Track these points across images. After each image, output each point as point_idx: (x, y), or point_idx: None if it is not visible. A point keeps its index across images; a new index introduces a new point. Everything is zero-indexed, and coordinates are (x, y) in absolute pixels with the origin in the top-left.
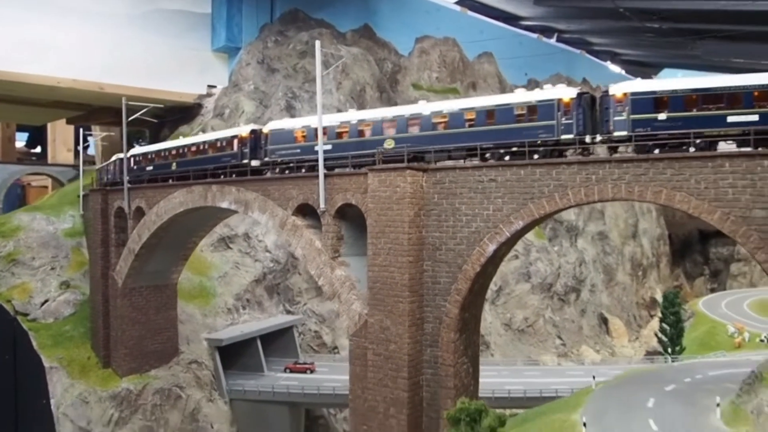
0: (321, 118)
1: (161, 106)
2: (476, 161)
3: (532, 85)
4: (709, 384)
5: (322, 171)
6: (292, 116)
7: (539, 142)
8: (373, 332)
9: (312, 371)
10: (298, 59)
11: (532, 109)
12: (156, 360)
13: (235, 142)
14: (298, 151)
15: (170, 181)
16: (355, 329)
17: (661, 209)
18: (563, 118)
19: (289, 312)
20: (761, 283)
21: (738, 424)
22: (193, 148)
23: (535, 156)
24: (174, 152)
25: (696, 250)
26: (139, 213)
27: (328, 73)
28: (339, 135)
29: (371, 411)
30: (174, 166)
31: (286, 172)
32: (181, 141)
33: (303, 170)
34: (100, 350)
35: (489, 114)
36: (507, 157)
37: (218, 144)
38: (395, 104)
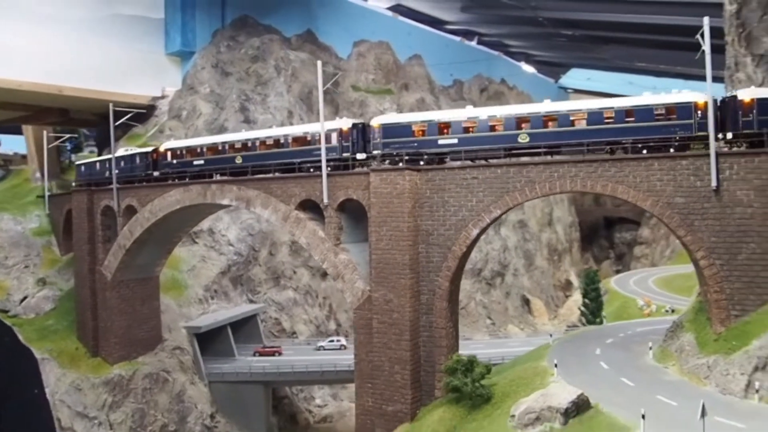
0: (323, 124)
1: (139, 109)
2: (458, 163)
3: (457, 85)
4: (638, 337)
5: (325, 170)
6: (246, 119)
7: (676, 138)
8: (378, 305)
9: (280, 354)
10: (250, 63)
11: (671, 110)
12: (143, 347)
13: (334, 135)
14: (416, 144)
15: (215, 176)
16: (358, 303)
17: (572, 199)
18: (699, 118)
19: (251, 301)
20: (660, 263)
21: (666, 360)
22: (269, 142)
23: (671, 150)
24: (238, 146)
25: (602, 236)
26: (130, 211)
27: (327, 87)
28: (466, 129)
29: (377, 370)
30: (239, 160)
31: (400, 164)
32: (247, 134)
33: (421, 162)
34: (89, 340)
35: (628, 113)
36: (644, 151)
37: (307, 137)
38: (337, 105)
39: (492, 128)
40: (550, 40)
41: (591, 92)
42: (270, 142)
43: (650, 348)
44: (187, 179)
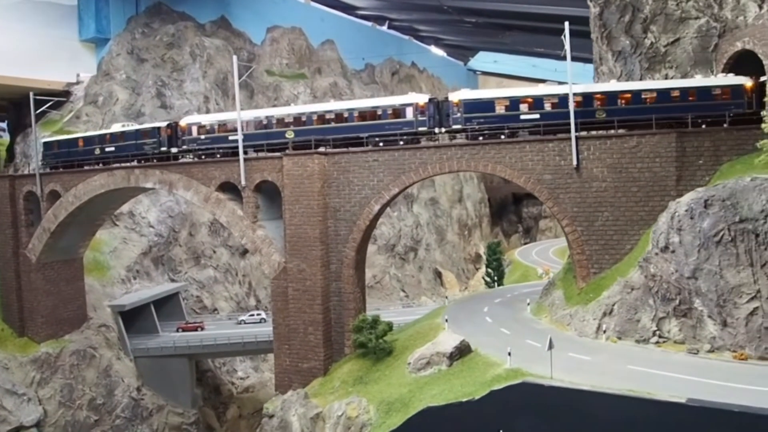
0: (239, 113)
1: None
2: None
3: (369, 69)
4: (523, 297)
5: (242, 155)
6: (163, 104)
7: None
8: (293, 274)
9: (202, 329)
10: (165, 50)
11: (725, 90)
12: (69, 326)
13: (410, 110)
14: (497, 119)
15: (247, 153)
16: (275, 274)
17: (481, 177)
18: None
19: (173, 280)
20: (562, 235)
21: (540, 314)
22: (329, 116)
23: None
24: (289, 119)
25: (511, 211)
26: (53, 195)
27: (243, 79)
28: (553, 105)
29: (293, 332)
30: (290, 134)
31: (480, 138)
32: (301, 107)
33: (502, 137)
34: (15, 321)
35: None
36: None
37: (377, 112)
38: (252, 90)
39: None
40: (457, 26)
41: (498, 74)
42: (331, 116)
43: (528, 304)
44: (218, 156)
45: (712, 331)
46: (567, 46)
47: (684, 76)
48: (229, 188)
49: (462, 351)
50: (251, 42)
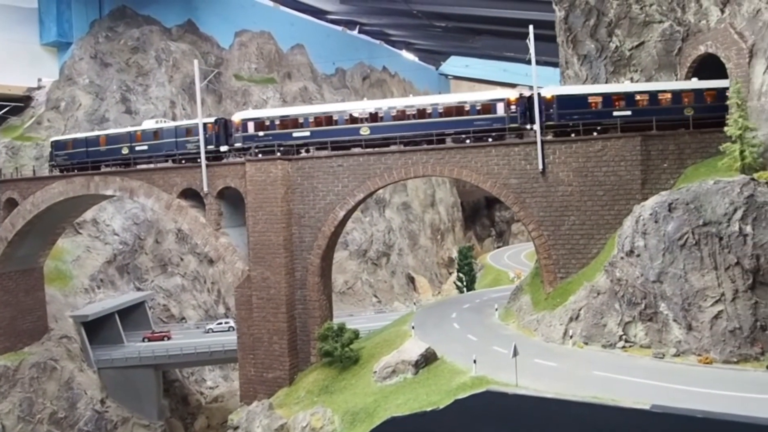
0: (201, 120)
1: None
2: (325, 153)
3: (339, 73)
4: (492, 301)
5: (204, 161)
6: (128, 109)
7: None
8: (257, 282)
9: (169, 338)
10: (130, 54)
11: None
12: (29, 338)
13: (500, 105)
14: (590, 115)
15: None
16: (239, 282)
17: (453, 181)
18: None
19: (139, 289)
20: None
21: (508, 319)
22: (410, 112)
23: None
24: (365, 115)
25: (483, 215)
26: (11, 204)
27: (205, 83)
28: (638, 102)
29: (257, 341)
30: (366, 131)
31: (572, 135)
32: (376, 102)
33: (594, 133)
34: None
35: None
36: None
37: (465, 107)
38: (220, 95)
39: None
40: (427, 31)
41: (470, 79)
42: (412, 111)
43: (496, 310)
44: (278, 153)
45: (678, 335)
46: (532, 50)
47: (649, 79)
48: (192, 195)
49: (427, 359)
50: (219, 46)
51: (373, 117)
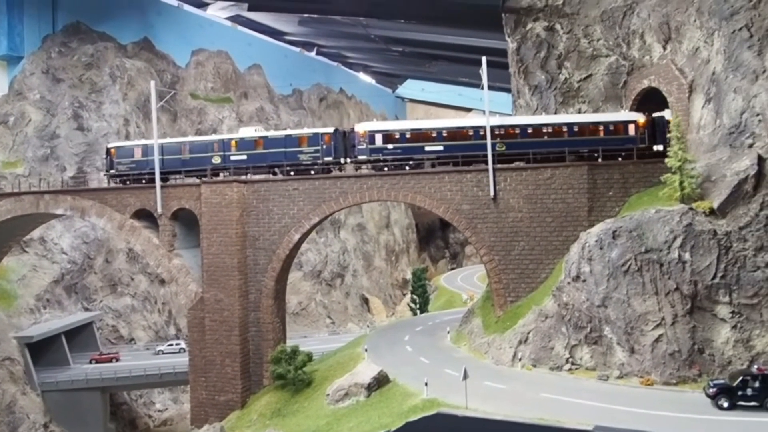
0: (156, 141)
1: None
2: (281, 176)
3: (296, 94)
4: (444, 324)
5: (158, 182)
6: (80, 126)
7: None
8: (210, 304)
9: (117, 360)
10: (83, 70)
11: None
12: None
13: (632, 126)
14: None
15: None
16: (192, 304)
17: (408, 203)
18: None
19: (87, 309)
20: None
21: (460, 342)
22: (546, 129)
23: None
24: (501, 131)
25: (438, 237)
26: None
27: (162, 103)
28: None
29: (209, 364)
30: (501, 147)
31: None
32: (515, 119)
33: None
34: None
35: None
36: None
37: (599, 127)
38: (175, 113)
39: None
40: (384, 54)
41: (426, 102)
42: (548, 129)
43: (448, 332)
44: (407, 168)
45: (621, 357)
46: (485, 80)
47: (596, 110)
48: (145, 216)
49: (380, 381)
50: (175, 64)
51: (508, 133)
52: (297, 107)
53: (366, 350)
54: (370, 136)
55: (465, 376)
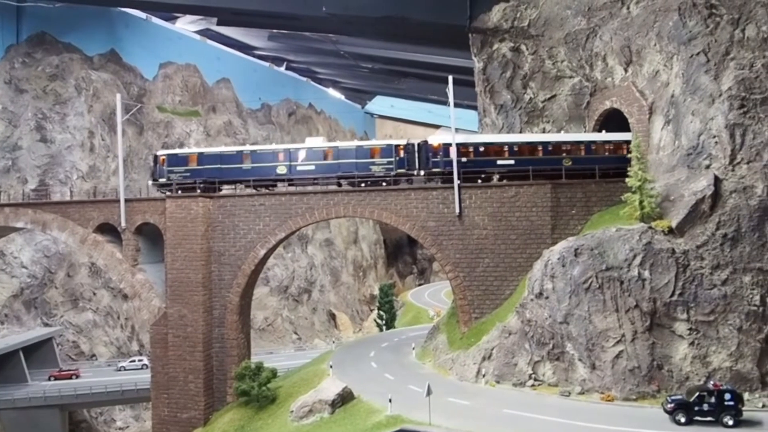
0: (121, 161)
1: None
2: (248, 191)
3: (265, 109)
4: (409, 340)
5: (122, 196)
6: (43, 138)
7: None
8: (173, 320)
9: (77, 376)
10: (48, 81)
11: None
12: None
13: None
14: None
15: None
16: (154, 320)
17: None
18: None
19: (47, 325)
20: None
21: (425, 358)
22: (607, 146)
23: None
24: (567, 147)
25: (406, 252)
26: None
27: (128, 116)
28: None
29: (172, 381)
30: (567, 162)
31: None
32: (584, 135)
33: None
34: None
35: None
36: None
37: None
38: (142, 126)
39: None
40: (354, 71)
41: (395, 119)
42: (609, 146)
43: (413, 349)
44: (479, 181)
45: (582, 373)
46: (451, 99)
47: (560, 130)
48: (108, 230)
49: (344, 398)
50: (142, 77)
51: (575, 149)
52: (266, 122)
53: (331, 366)
54: (445, 149)
55: (428, 393)
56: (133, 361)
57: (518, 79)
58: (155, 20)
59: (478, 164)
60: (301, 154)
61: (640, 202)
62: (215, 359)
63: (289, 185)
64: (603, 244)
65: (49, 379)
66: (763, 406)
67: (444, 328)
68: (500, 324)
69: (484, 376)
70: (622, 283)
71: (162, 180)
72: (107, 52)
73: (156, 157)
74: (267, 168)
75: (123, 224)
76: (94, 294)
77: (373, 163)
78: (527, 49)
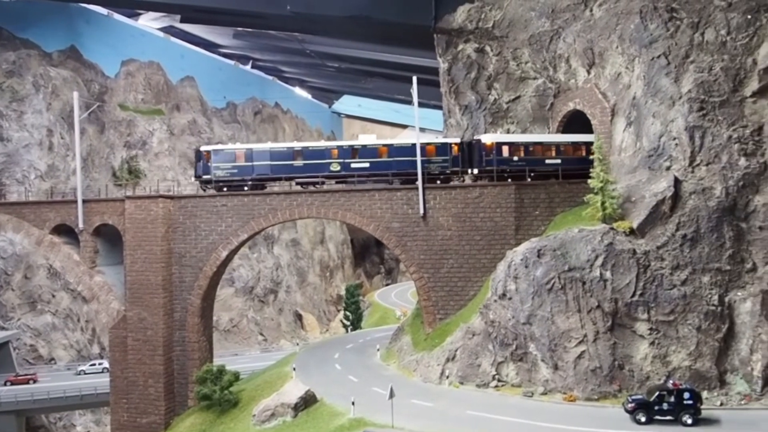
0: (78, 160)
1: None
2: (209, 192)
3: (230, 108)
4: (374, 341)
5: (80, 197)
6: (0, 136)
7: None
8: (133, 323)
9: (35, 381)
10: (4, 78)
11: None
12: None
13: None
14: None
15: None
16: (113, 323)
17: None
18: None
19: (2, 328)
20: None
21: (390, 359)
22: None
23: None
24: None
25: (373, 252)
26: None
27: (86, 114)
28: None
29: (132, 385)
30: None
31: None
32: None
33: None
34: None
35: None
36: None
37: None
38: (103, 124)
39: None
40: (320, 70)
41: (362, 118)
42: None
43: (378, 350)
44: (529, 180)
45: (545, 374)
46: (415, 100)
47: (524, 131)
48: (66, 231)
49: (307, 401)
50: (104, 74)
51: None
52: (231, 121)
53: (294, 369)
54: (497, 148)
55: (391, 395)
56: (94, 364)
57: (483, 80)
58: (117, 16)
59: (530, 163)
60: (357, 152)
61: (602, 203)
62: (176, 363)
63: (339, 183)
64: (565, 245)
65: (5, 384)
66: (722, 404)
67: (409, 329)
68: (464, 325)
69: (447, 377)
70: (584, 283)
71: (206, 177)
72: (67, 48)
73: (200, 152)
74: (320, 165)
75: (81, 225)
76: (53, 296)
77: (430, 161)
78: (492, 50)
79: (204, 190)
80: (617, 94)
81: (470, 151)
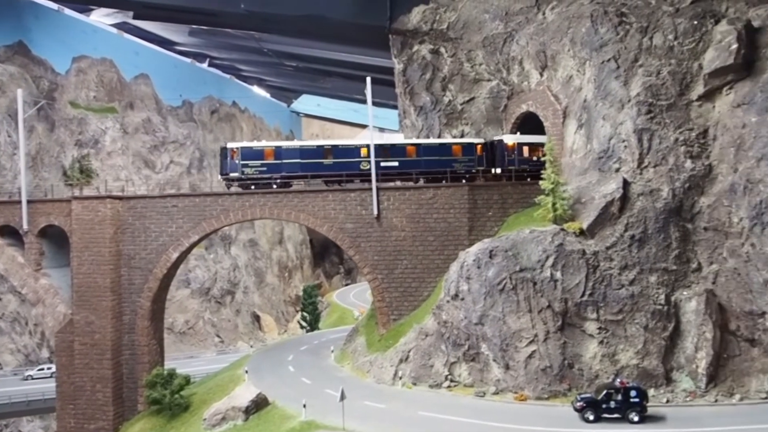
0: (22, 159)
1: None
2: (158, 192)
3: (186, 106)
4: (329, 343)
5: (25, 197)
6: None
7: None
8: (80, 327)
9: None
10: None
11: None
12: None
13: None
14: None
15: None
16: (60, 327)
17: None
18: None
19: None
20: None
21: (344, 361)
22: None
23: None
24: None
25: (333, 253)
26: None
27: (31, 112)
28: None
29: (79, 390)
30: None
31: None
32: None
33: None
34: None
35: None
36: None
37: None
38: (53, 122)
39: None
40: (278, 69)
41: (321, 118)
42: None
43: (332, 351)
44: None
45: (497, 374)
46: (368, 98)
47: (478, 132)
48: (9, 232)
49: (258, 404)
50: (54, 71)
51: None
52: (187, 119)
53: (246, 372)
54: (519, 148)
55: (342, 397)
56: (42, 369)
57: (437, 81)
58: (68, 12)
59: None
60: (387, 150)
61: (553, 205)
62: (125, 367)
63: (362, 181)
64: (517, 246)
65: None
66: (668, 401)
67: (363, 330)
68: (417, 325)
69: (401, 378)
70: (535, 284)
71: (234, 175)
72: (14, 43)
73: (226, 150)
74: (350, 164)
75: (25, 226)
76: (0, 299)
77: (456, 161)
78: (446, 51)
79: (228, 188)
80: (569, 97)
81: (492, 151)
